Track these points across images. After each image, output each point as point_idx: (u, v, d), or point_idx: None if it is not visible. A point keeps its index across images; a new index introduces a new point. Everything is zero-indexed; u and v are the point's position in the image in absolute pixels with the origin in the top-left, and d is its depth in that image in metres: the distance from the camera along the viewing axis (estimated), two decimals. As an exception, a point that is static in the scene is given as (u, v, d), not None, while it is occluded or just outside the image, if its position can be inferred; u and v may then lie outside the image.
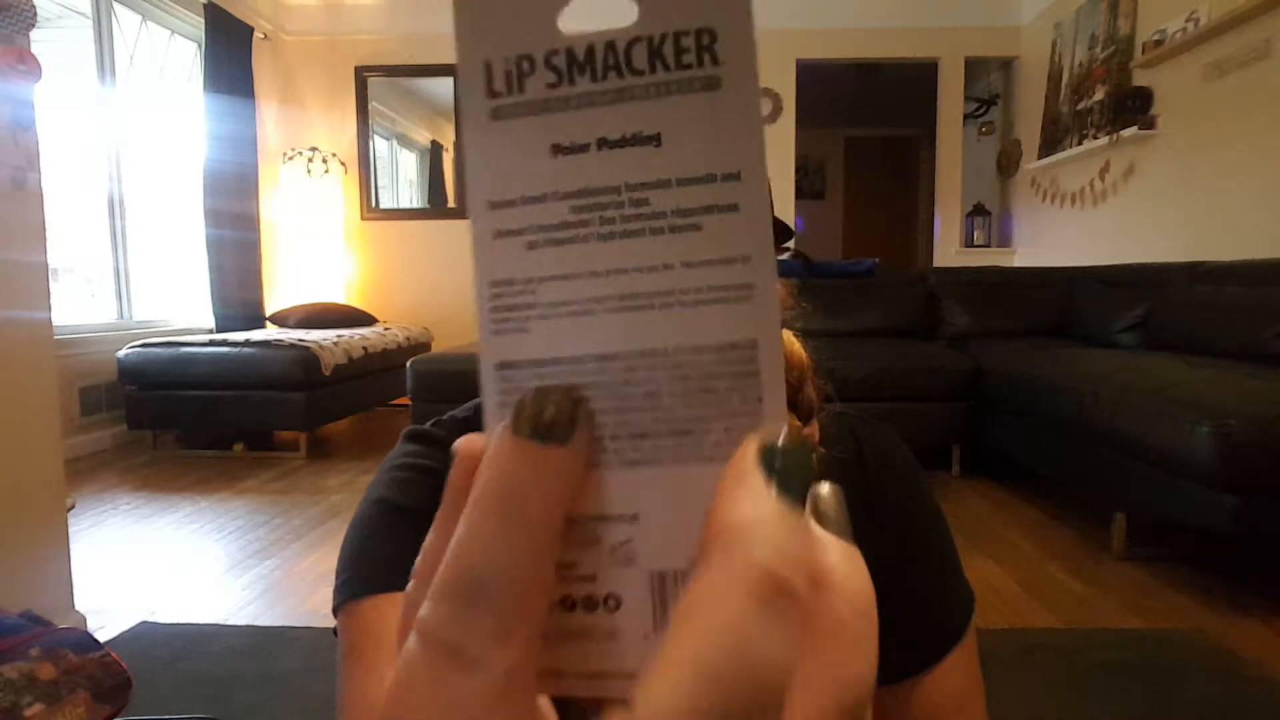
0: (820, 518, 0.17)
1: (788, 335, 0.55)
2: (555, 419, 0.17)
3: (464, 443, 0.18)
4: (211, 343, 3.53)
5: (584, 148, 0.18)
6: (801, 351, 0.55)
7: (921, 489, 0.59)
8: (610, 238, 0.18)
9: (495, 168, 0.19)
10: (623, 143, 0.18)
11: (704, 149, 0.18)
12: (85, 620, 1.69)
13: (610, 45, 0.18)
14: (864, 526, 0.55)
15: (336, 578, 0.51)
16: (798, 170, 5.41)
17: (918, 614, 0.56)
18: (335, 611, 0.49)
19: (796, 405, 0.54)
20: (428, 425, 0.57)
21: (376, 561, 0.49)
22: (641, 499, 0.18)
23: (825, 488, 0.18)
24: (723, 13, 0.18)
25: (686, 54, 0.18)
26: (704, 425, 0.18)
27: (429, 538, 0.19)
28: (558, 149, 0.18)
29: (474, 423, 0.57)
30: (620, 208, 0.18)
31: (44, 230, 1.60)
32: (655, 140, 0.18)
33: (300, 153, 5.02)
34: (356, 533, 0.52)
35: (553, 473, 0.17)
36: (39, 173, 1.57)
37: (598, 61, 0.18)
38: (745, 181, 0.18)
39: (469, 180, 0.19)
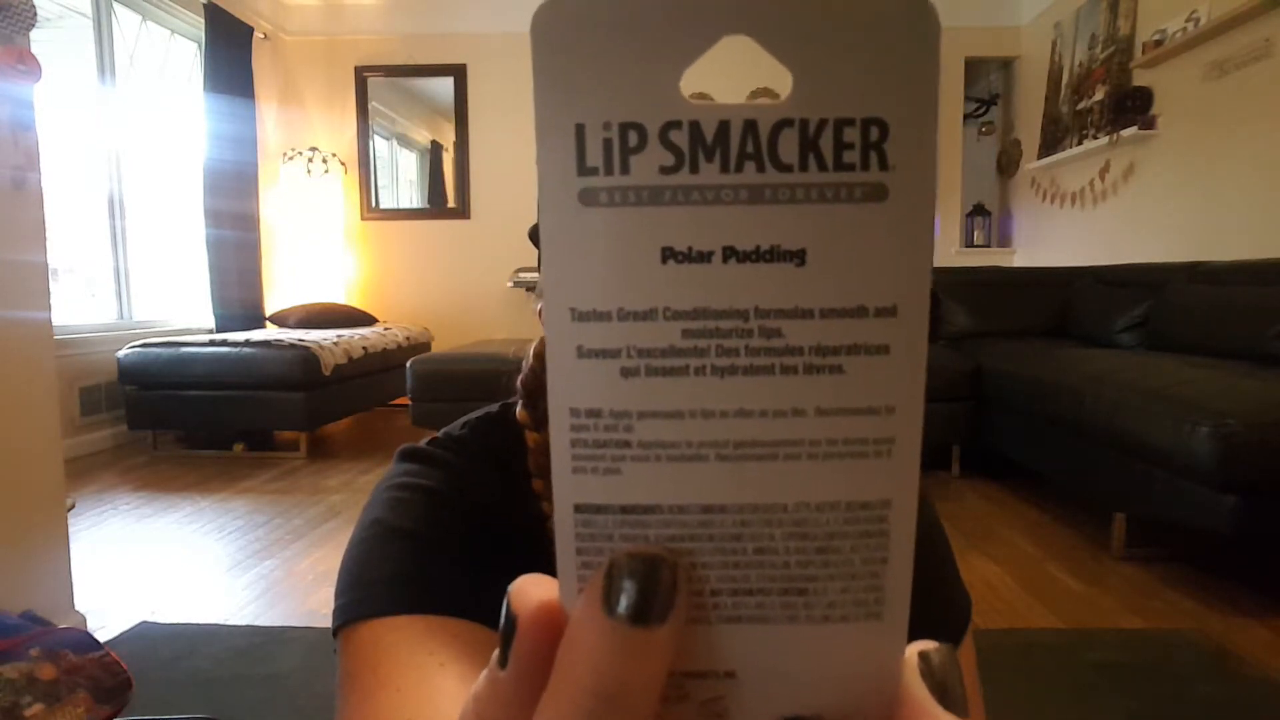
0: (944, 695, 0.16)
1: None
2: (654, 595, 0.15)
3: (525, 599, 0.16)
4: (211, 343, 3.53)
5: (705, 256, 0.15)
6: None
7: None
8: (730, 373, 0.15)
9: (583, 268, 0.15)
10: (756, 256, 0.15)
11: (857, 275, 0.15)
12: (85, 620, 1.69)
13: (750, 127, 0.14)
14: None
15: (335, 600, 0.50)
16: (798, 170, 5.41)
17: (913, 616, 0.55)
18: (334, 634, 0.49)
19: None
20: (423, 444, 0.57)
21: (373, 585, 0.48)
22: (741, 656, 0.16)
23: (942, 663, 0.17)
24: (901, 101, 0.14)
25: (849, 150, 0.14)
26: (819, 585, 0.16)
27: (482, 701, 0.17)
28: (670, 254, 0.15)
29: (469, 442, 0.56)
30: (746, 337, 0.15)
31: (44, 230, 1.60)
32: (798, 257, 0.15)
33: (300, 153, 5.02)
34: (353, 555, 0.51)
35: (653, 659, 0.15)
36: (39, 173, 1.57)
37: (731, 146, 0.14)
38: (902, 318, 0.15)
39: (546, 279, 0.15)
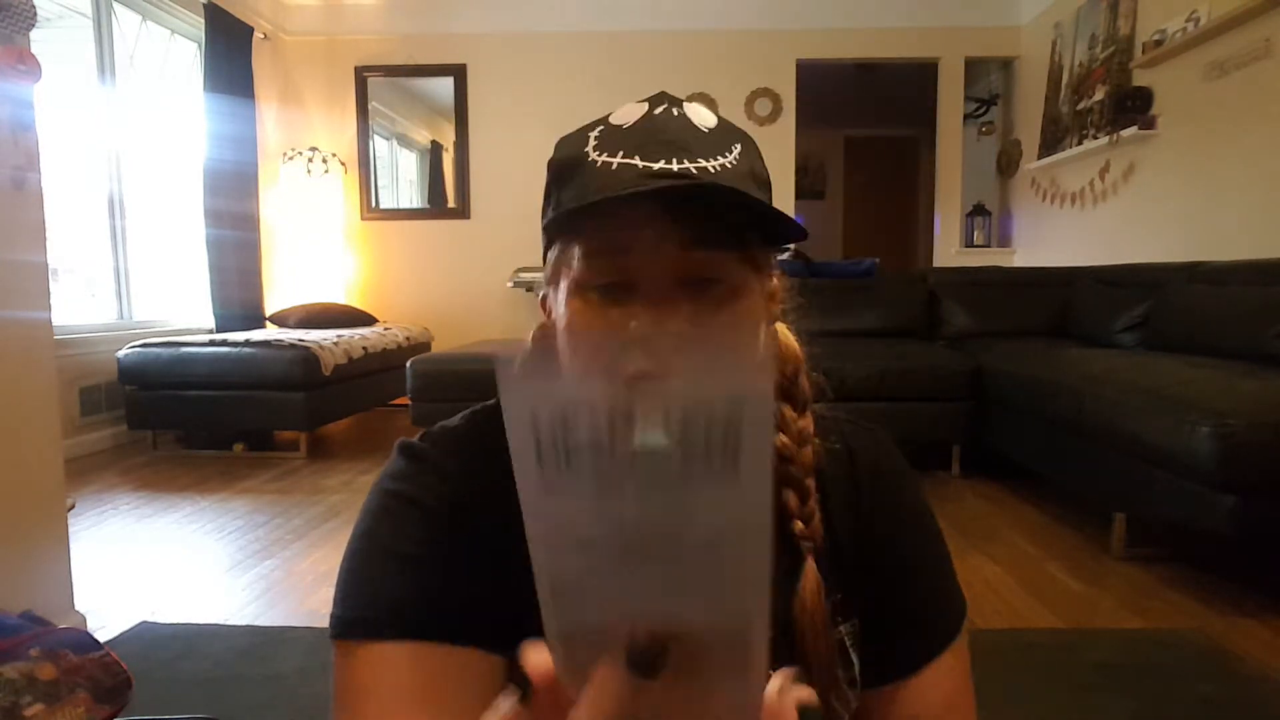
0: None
1: (783, 330, 0.57)
2: (660, 658, 0.26)
3: (538, 667, 0.27)
4: (211, 343, 3.53)
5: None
6: (796, 346, 0.56)
7: (912, 494, 0.60)
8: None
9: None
10: None
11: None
12: (85, 620, 1.69)
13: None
14: (854, 529, 0.56)
15: (334, 605, 0.52)
16: (798, 170, 5.41)
17: (906, 617, 0.56)
18: (331, 639, 0.51)
19: (792, 395, 0.55)
20: (419, 439, 0.57)
21: (368, 605, 0.50)
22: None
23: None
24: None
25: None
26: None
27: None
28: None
29: (463, 435, 0.57)
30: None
31: (44, 230, 1.60)
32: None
33: (300, 153, 5.02)
34: (350, 566, 0.53)
35: (650, 698, 0.26)
36: (39, 173, 1.57)
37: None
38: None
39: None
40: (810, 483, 0.54)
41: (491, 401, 0.58)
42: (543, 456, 0.22)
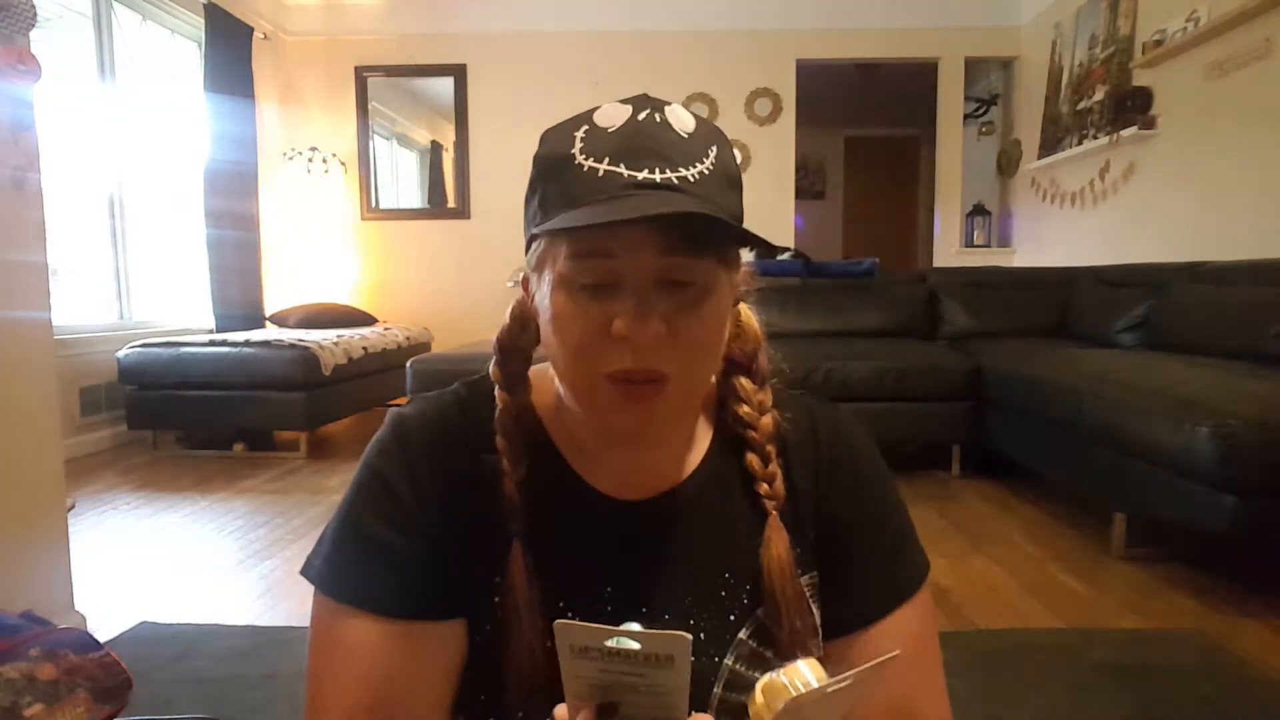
0: None
1: (745, 310, 0.62)
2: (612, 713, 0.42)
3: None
4: (211, 343, 3.53)
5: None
6: (756, 325, 0.62)
7: (872, 457, 0.64)
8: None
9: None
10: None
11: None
12: (85, 620, 1.69)
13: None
14: (814, 490, 0.61)
15: (319, 543, 0.57)
16: (798, 170, 5.41)
17: (867, 570, 0.60)
18: (310, 580, 0.56)
19: (752, 371, 0.61)
20: (409, 410, 0.60)
21: (349, 576, 0.55)
22: None
23: None
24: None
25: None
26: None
27: None
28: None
29: (447, 413, 0.59)
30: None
31: (44, 230, 1.59)
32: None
33: (300, 152, 5.02)
34: (336, 537, 0.56)
35: None
36: (39, 173, 1.57)
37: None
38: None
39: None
40: (771, 448, 0.59)
41: (478, 375, 0.61)
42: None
